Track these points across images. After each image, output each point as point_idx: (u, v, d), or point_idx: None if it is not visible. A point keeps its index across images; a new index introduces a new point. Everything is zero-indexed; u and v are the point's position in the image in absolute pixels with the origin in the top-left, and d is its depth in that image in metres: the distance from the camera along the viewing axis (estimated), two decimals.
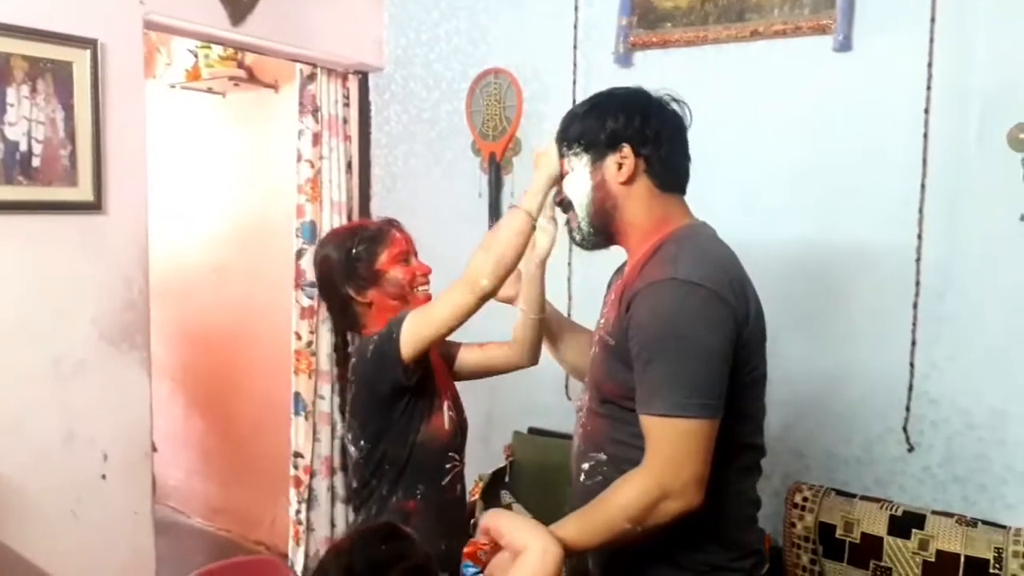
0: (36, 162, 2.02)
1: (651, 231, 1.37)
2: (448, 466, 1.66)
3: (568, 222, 1.45)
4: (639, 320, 1.27)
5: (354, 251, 1.65)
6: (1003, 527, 1.90)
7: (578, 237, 1.45)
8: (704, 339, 1.23)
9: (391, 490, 1.62)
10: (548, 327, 1.74)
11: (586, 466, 1.39)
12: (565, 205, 1.45)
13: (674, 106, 1.41)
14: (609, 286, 1.53)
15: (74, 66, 2.07)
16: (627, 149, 1.36)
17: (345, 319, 1.73)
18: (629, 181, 1.37)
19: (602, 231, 1.42)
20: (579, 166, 1.41)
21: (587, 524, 1.22)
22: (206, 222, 3.75)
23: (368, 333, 1.66)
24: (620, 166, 1.36)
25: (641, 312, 1.26)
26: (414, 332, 1.53)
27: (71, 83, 2.07)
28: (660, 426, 1.22)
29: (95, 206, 2.14)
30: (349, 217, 3.02)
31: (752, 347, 1.30)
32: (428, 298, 1.67)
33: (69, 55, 2.06)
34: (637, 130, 1.36)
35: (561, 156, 1.44)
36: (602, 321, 1.43)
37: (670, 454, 1.21)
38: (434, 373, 1.65)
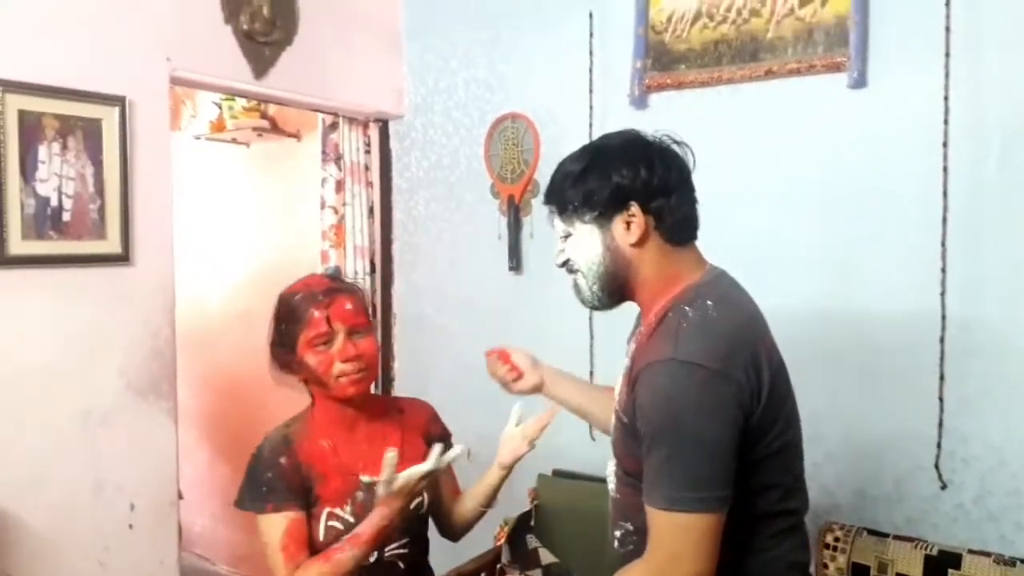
0: (66, 217, 2.07)
1: (662, 289, 1.31)
2: None
3: (575, 283, 1.37)
4: (641, 403, 1.21)
5: (280, 326, 1.49)
6: None
7: (589, 302, 1.37)
8: (703, 427, 1.16)
9: None
10: (582, 414, 1.69)
11: (618, 534, 1.36)
12: (570, 268, 1.37)
13: (675, 148, 1.33)
14: (630, 336, 1.47)
15: (103, 123, 2.13)
16: (635, 207, 1.27)
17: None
18: (640, 242, 1.28)
19: (615, 294, 1.34)
20: (582, 229, 1.32)
21: None
22: (232, 270, 3.80)
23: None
24: (628, 225, 1.28)
25: (643, 394, 1.21)
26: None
27: (100, 139, 2.13)
28: (660, 519, 1.17)
29: (123, 258, 2.18)
30: (372, 262, 3.05)
31: (770, 418, 1.23)
32: (355, 385, 1.46)
33: (98, 112, 2.12)
34: (644, 184, 1.27)
35: (560, 216, 1.35)
36: (616, 389, 1.39)
37: (669, 549, 1.17)
38: (313, 487, 1.47)
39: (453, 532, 1.74)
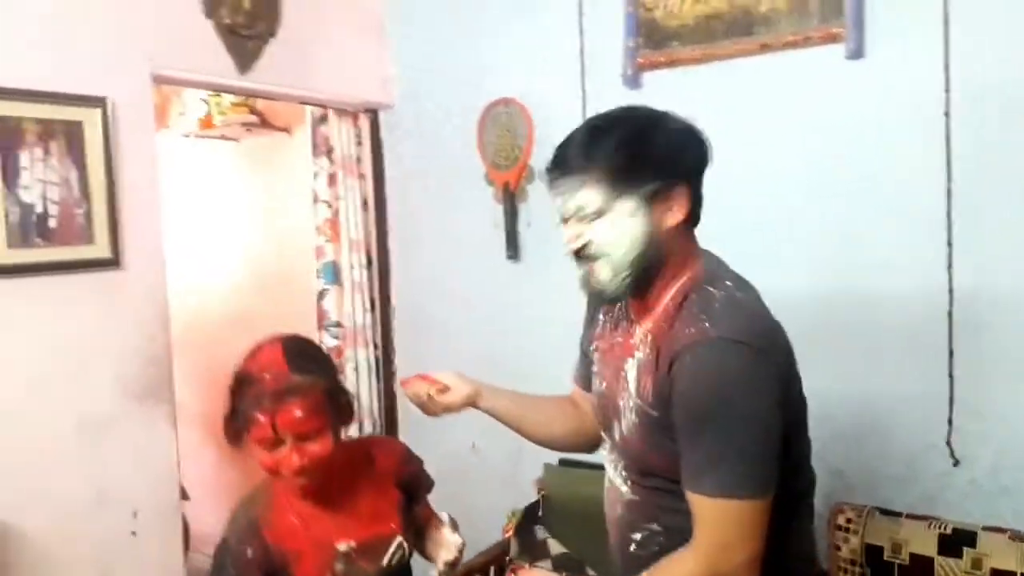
0: (52, 223, 2.03)
1: (669, 275, 1.24)
2: None
3: (587, 274, 1.24)
4: (682, 388, 1.14)
5: (233, 407, 1.35)
6: None
7: (612, 293, 1.23)
8: (755, 408, 1.12)
9: None
10: (518, 425, 1.59)
11: (638, 536, 1.29)
12: (586, 255, 1.22)
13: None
14: (599, 320, 1.40)
15: (85, 125, 2.09)
16: (684, 187, 1.19)
17: None
18: (677, 225, 1.19)
19: (641, 284, 1.22)
20: (623, 207, 1.18)
21: None
22: (227, 268, 3.76)
23: None
24: (670, 208, 1.19)
25: (684, 380, 1.14)
26: None
27: (83, 142, 2.08)
28: (710, 507, 1.13)
29: (113, 262, 2.14)
30: (368, 255, 3.01)
31: (796, 395, 1.21)
32: (301, 489, 1.36)
33: (79, 115, 2.07)
34: (696, 162, 1.20)
35: (586, 193, 1.19)
36: (605, 385, 1.33)
37: (721, 537, 1.13)
38: (287, 569, 1.38)
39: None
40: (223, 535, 1.40)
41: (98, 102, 2.10)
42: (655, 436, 1.21)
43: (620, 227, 1.19)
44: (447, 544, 1.49)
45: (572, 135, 1.24)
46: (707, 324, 1.14)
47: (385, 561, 1.44)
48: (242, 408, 1.31)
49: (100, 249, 2.12)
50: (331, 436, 1.36)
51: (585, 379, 1.52)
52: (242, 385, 1.33)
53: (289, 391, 1.29)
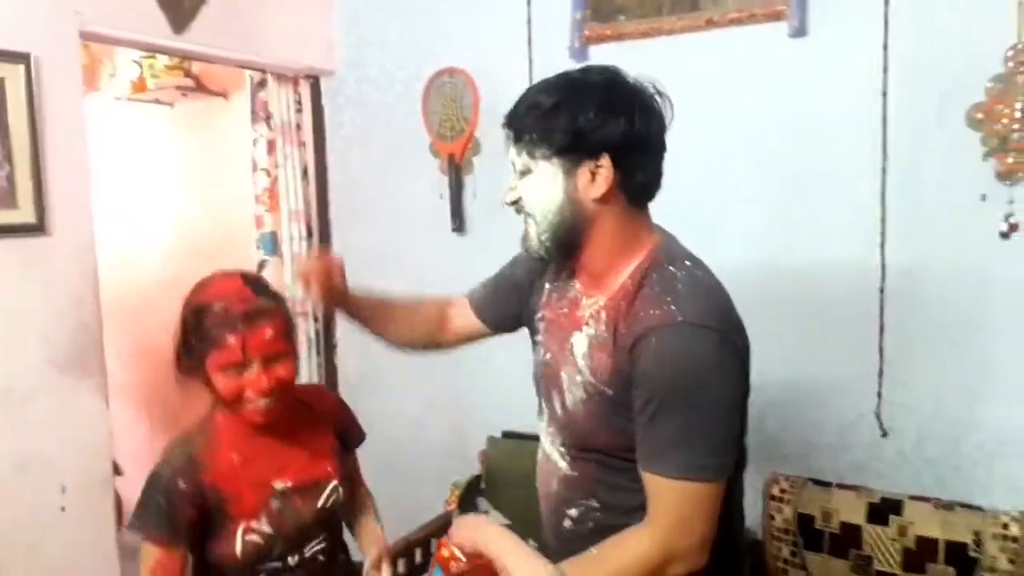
0: None
1: (619, 252, 1.22)
2: None
3: (525, 229, 1.26)
4: (646, 370, 1.13)
5: (188, 338, 1.33)
6: (980, 509, 1.90)
7: (535, 252, 1.26)
8: (719, 392, 1.12)
9: None
10: (368, 327, 1.61)
11: (574, 512, 1.29)
12: (519, 208, 1.25)
13: (658, 101, 1.21)
14: (544, 288, 1.38)
15: (7, 82, 1.97)
16: (606, 159, 1.16)
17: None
18: (604, 198, 1.18)
19: (563, 247, 1.23)
20: (543, 170, 1.19)
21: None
22: (161, 236, 3.65)
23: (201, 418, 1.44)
24: (594, 177, 1.17)
25: (648, 362, 1.13)
26: None
27: (5, 100, 1.97)
28: (668, 488, 1.12)
29: (38, 228, 2.05)
30: (308, 226, 2.95)
31: (747, 373, 1.22)
32: (265, 415, 1.34)
33: (1, 71, 1.96)
34: (623, 134, 1.15)
35: (516, 145, 1.22)
36: (549, 356, 1.31)
37: (678, 517, 1.12)
38: (223, 505, 1.37)
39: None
40: (156, 466, 1.38)
41: (21, 58, 1.99)
42: (607, 414, 1.20)
43: (541, 189, 1.21)
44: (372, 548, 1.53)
45: (523, 93, 1.24)
46: (672, 307, 1.13)
47: (320, 503, 1.45)
48: (203, 336, 1.30)
49: (24, 214, 2.02)
50: (294, 361, 1.38)
51: (484, 304, 1.55)
52: (200, 314, 1.31)
53: (258, 313, 1.31)
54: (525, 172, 1.22)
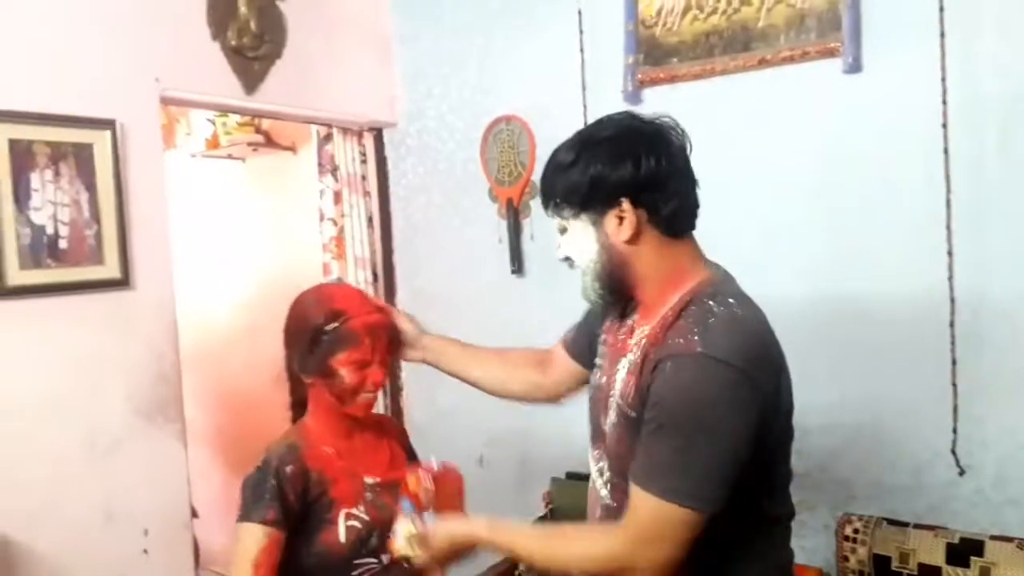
0: (63, 244, 2.06)
1: (667, 282, 1.26)
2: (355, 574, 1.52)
3: (582, 278, 1.32)
4: (658, 391, 1.17)
5: (322, 337, 1.50)
6: None
7: (592, 300, 1.33)
8: (724, 428, 1.13)
9: None
10: (454, 372, 1.69)
11: None
12: (571, 264, 1.33)
13: (669, 133, 1.26)
14: (610, 317, 1.42)
15: (95, 147, 2.12)
16: (625, 204, 1.22)
17: (291, 377, 1.63)
18: (634, 239, 1.23)
19: (614, 290, 1.30)
20: (575, 227, 1.27)
21: (537, 546, 1.24)
22: (235, 286, 3.79)
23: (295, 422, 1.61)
24: (621, 221, 1.23)
25: (661, 385, 1.17)
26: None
27: (92, 164, 2.11)
28: (650, 505, 1.15)
29: (122, 282, 2.17)
30: (374, 272, 3.03)
31: (783, 417, 1.22)
32: (368, 408, 1.55)
33: (89, 137, 2.10)
34: (632, 176, 1.21)
35: (551, 213, 1.31)
36: (604, 379, 1.34)
37: (652, 533, 1.15)
38: (326, 491, 1.50)
39: None
40: (263, 458, 1.51)
41: (107, 124, 2.13)
42: (632, 437, 1.23)
43: (578, 244, 1.29)
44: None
45: (550, 157, 1.32)
46: (696, 338, 1.16)
47: None
48: (338, 337, 1.49)
49: (110, 269, 2.15)
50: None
51: (574, 342, 1.59)
52: (337, 318, 1.50)
53: (383, 324, 1.56)
54: (563, 231, 1.31)
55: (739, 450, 1.15)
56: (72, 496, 2.07)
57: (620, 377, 1.29)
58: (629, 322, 1.36)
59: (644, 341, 1.26)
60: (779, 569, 1.30)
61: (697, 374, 1.14)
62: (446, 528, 1.35)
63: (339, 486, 1.51)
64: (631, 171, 1.21)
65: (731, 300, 1.22)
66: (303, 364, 1.54)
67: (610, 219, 1.24)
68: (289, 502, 1.45)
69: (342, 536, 1.47)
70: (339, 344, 1.49)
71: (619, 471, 1.29)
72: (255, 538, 1.43)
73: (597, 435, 1.37)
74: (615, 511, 1.29)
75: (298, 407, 1.63)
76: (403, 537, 1.37)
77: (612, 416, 1.30)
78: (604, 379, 1.36)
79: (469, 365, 1.68)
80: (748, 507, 1.19)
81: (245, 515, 1.45)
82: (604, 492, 1.33)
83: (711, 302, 1.20)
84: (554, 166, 1.28)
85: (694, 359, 1.14)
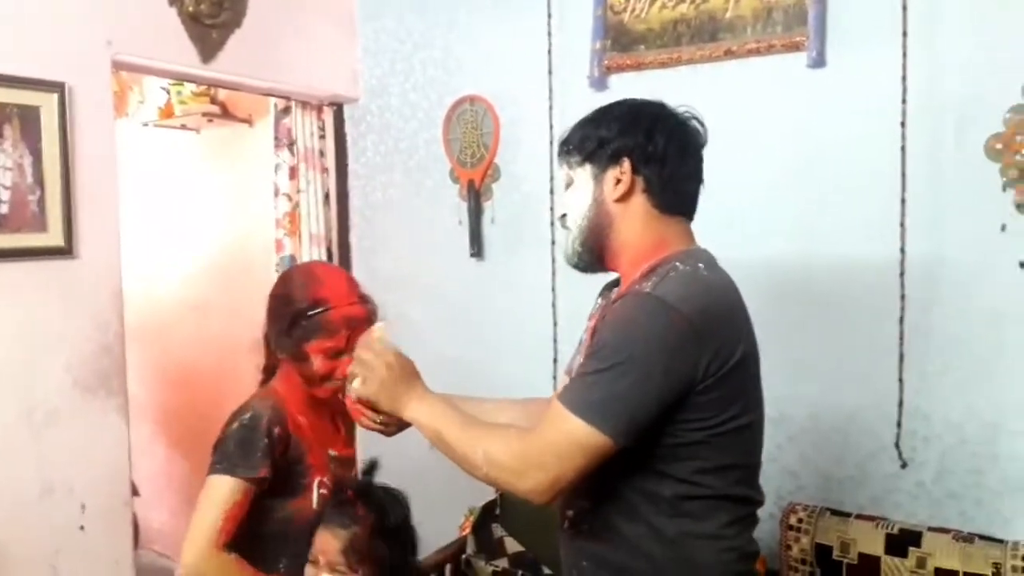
0: (3, 209, 1.98)
1: (644, 254, 1.29)
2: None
3: (566, 240, 1.37)
4: (601, 327, 1.22)
5: (300, 321, 1.52)
6: (1001, 541, 1.87)
7: (570, 259, 1.36)
8: (651, 364, 1.14)
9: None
10: None
11: (571, 513, 1.33)
12: (564, 223, 1.37)
13: (692, 123, 1.34)
14: (597, 304, 1.45)
15: (42, 110, 2.03)
16: (627, 164, 1.28)
17: (267, 345, 1.65)
18: (624, 198, 1.28)
19: (592, 250, 1.33)
20: (580, 177, 1.33)
21: (456, 429, 1.24)
22: (184, 260, 3.70)
23: (263, 385, 1.63)
24: (618, 181, 1.28)
25: (608, 320, 1.21)
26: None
27: (39, 127, 2.03)
28: (559, 415, 1.16)
29: (66, 251, 2.09)
30: (329, 251, 2.98)
31: (736, 392, 1.21)
32: (334, 391, 1.56)
33: (36, 99, 2.02)
34: (640, 144, 1.28)
35: (560, 162, 1.38)
36: (580, 358, 1.34)
37: (555, 446, 1.16)
38: (303, 457, 1.54)
39: None
40: (248, 414, 1.50)
41: (55, 87, 2.05)
42: None
43: (577, 196, 1.33)
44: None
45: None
46: (649, 284, 1.20)
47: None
48: (316, 325, 1.51)
49: (53, 237, 2.07)
50: None
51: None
52: (318, 306, 1.52)
53: (363, 318, 1.55)
54: (569, 184, 1.36)
55: (664, 393, 1.15)
56: (8, 469, 2.00)
57: (582, 339, 1.34)
58: (610, 300, 1.36)
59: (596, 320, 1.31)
60: (736, 551, 1.27)
61: (638, 310, 1.18)
62: (403, 360, 1.33)
63: (313, 453, 1.56)
64: (641, 139, 1.28)
65: (700, 265, 1.25)
66: (278, 342, 1.56)
67: (609, 177, 1.29)
68: (277, 463, 1.47)
69: (315, 502, 1.51)
70: (315, 332, 1.51)
71: None
72: (232, 491, 1.43)
73: None
74: (584, 496, 1.29)
75: (269, 372, 1.65)
76: (377, 331, 1.38)
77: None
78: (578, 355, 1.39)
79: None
80: (698, 483, 1.20)
81: (228, 468, 1.44)
82: None
83: (678, 263, 1.24)
84: (580, 122, 1.35)
85: (640, 297, 1.19)
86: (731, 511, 1.26)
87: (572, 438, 1.15)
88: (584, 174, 1.32)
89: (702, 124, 1.36)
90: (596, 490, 1.27)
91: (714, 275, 1.26)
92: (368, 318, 1.56)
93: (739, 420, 1.23)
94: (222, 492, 1.43)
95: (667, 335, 1.15)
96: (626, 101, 1.36)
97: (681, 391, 1.16)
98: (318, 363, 1.52)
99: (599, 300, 1.46)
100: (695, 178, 1.34)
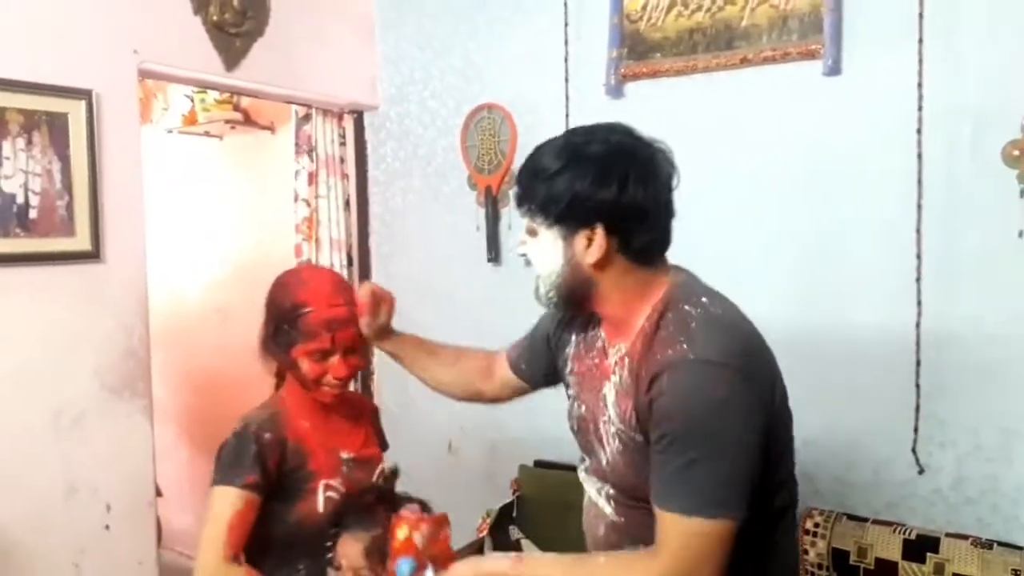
0: (33, 214, 2.03)
1: (633, 299, 1.24)
2: (330, 544, 1.54)
3: (535, 281, 1.29)
4: (660, 408, 1.15)
5: (281, 325, 1.51)
6: (1019, 548, 1.87)
7: (543, 303, 1.30)
8: (732, 431, 1.11)
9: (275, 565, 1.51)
10: (409, 366, 1.67)
11: None
12: (527, 262, 1.30)
13: (659, 155, 1.23)
14: (570, 342, 1.40)
15: (70, 117, 2.09)
16: (599, 229, 1.18)
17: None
18: (601, 263, 1.21)
19: (570, 302, 1.28)
20: (545, 236, 1.23)
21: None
22: (207, 264, 3.75)
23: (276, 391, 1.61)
24: (590, 243, 1.19)
25: (662, 400, 1.14)
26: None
27: (67, 134, 2.08)
28: (678, 525, 1.12)
29: (93, 255, 2.14)
30: (349, 256, 3.02)
31: (784, 410, 1.21)
32: (334, 396, 1.54)
33: (64, 106, 2.07)
34: (611, 202, 1.17)
35: (524, 214, 1.26)
36: (584, 409, 1.32)
37: (684, 555, 1.12)
38: (305, 462, 1.52)
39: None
40: (241, 424, 1.51)
41: (83, 94, 2.10)
42: (644, 462, 1.20)
43: (543, 252, 1.25)
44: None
45: (532, 153, 1.27)
46: (684, 346, 1.14)
47: (373, 478, 1.62)
48: (298, 329, 1.49)
49: (80, 241, 2.12)
50: (367, 352, 1.69)
51: (522, 360, 1.58)
52: (298, 310, 1.49)
53: (346, 319, 1.52)
54: (531, 233, 1.26)
55: (751, 449, 1.13)
56: (35, 470, 2.05)
57: (611, 402, 1.26)
58: (598, 343, 1.34)
59: (627, 360, 1.24)
60: (792, 558, 1.32)
61: (695, 382, 1.13)
62: (469, 568, 1.25)
63: (317, 458, 1.53)
64: (614, 195, 1.17)
65: (704, 300, 1.22)
66: (268, 347, 1.56)
67: (580, 238, 1.20)
68: (268, 469, 1.47)
69: (320, 506, 1.50)
70: (297, 336, 1.49)
71: (628, 495, 1.27)
72: (231, 501, 1.43)
73: (594, 465, 1.35)
74: (622, 527, 1.29)
75: (281, 377, 1.64)
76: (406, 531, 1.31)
77: (615, 445, 1.27)
78: (585, 409, 1.34)
79: (418, 361, 1.68)
80: (763, 503, 1.18)
81: (222, 479, 1.46)
82: (608, 509, 1.32)
83: (686, 306, 1.20)
84: (537, 170, 1.22)
85: (688, 366, 1.13)
86: (787, 519, 1.29)
87: (704, 539, 1.11)
88: (550, 233, 1.22)
89: (670, 154, 1.25)
90: (651, 534, 1.21)
91: (722, 307, 1.22)
92: (354, 318, 1.52)
93: (790, 433, 1.25)
94: (222, 504, 1.44)
95: (732, 397, 1.12)
96: (586, 141, 1.21)
97: (766, 438, 1.16)
98: (306, 366, 1.50)
99: (574, 336, 1.41)
100: (669, 221, 1.25)
